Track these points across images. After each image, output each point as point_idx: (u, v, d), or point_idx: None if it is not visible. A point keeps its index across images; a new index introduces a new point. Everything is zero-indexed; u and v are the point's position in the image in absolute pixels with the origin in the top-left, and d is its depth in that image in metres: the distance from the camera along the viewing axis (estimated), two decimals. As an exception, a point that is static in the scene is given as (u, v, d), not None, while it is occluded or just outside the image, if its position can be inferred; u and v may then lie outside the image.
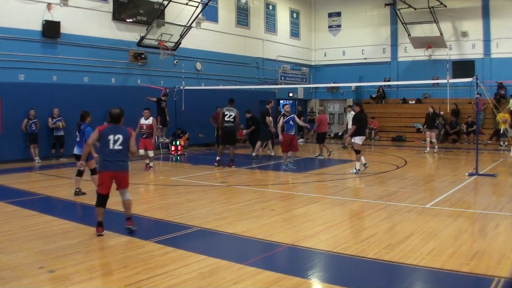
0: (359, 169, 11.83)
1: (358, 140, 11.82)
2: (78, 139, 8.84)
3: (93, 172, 8.58)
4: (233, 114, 13.27)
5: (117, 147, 6.09)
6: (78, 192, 8.85)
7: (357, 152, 11.81)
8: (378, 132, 24.01)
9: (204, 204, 8.28)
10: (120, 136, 6.12)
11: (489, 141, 19.98)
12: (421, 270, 4.80)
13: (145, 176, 11.68)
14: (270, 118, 15.65)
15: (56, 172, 12.23)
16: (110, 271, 4.76)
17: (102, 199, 6.17)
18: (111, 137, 6.09)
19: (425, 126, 17.55)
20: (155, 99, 16.51)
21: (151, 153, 12.44)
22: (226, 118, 13.30)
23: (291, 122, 12.55)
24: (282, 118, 12.62)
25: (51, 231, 6.40)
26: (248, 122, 16.91)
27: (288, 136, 12.53)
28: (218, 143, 19.43)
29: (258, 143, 15.85)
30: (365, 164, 12.13)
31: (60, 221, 7.00)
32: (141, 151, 12.14)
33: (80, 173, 8.82)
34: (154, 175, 12.49)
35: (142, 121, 12.50)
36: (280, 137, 12.50)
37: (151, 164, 12.53)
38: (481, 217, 7.16)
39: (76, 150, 8.91)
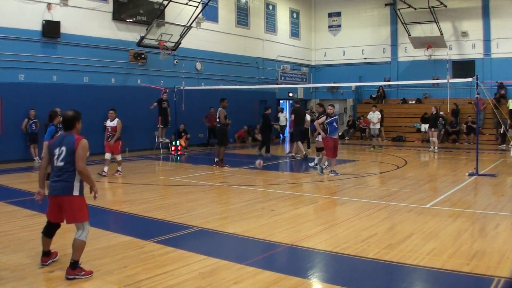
0: (317, 164, 12.51)
1: (320, 138, 12.43)
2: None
3: None
4: (217, 114, 13.27)
5: (59, 163, 4.72)
6: None
7: (320, 149, 12.58)
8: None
9: (204, 204, 8.28)
10: (64, 149, 4.72)
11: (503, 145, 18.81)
12: (421, 270, 4.80)
13: (145, 176, 11.68)
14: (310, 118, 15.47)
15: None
16: (110, 271, 4.75)
17: (48, 227, 5.00)
18: (56, 150, 4.77)
19: (428, 125, 17.75)
20: (156, 103, 16.58)
21: (119, 157, 11.60)
22: (216, 119, 13.46)
23: (335, 124, 11.37)
24: (324, 118, 11.43)
25: (51, 231, 6.39)
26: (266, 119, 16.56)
27: (332, 139, 11.32)
28: (209, 144, 19.67)
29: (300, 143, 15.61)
30: (316, 164, 12.66)
31: (60, 221, 6.99)
32: (107, 155, 11.46)
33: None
34: (154, 175, 12.49)
35: (108, 123, 11.58)
36: (322, 134, 11.32)
37: (119, 168, 11.60)
38: (481, 217, 7.15)
39: None
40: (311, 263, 5.13)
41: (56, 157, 4.74)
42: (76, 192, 4.73)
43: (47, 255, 4.99)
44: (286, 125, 22.46)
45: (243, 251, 5.70)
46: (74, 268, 4.59)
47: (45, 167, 4.95)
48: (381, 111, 19.56)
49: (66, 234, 6.36)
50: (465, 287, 4.47)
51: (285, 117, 22.46)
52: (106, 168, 11.33)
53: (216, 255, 5.21)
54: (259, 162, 11.92)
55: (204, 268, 4.82)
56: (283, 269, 4.86)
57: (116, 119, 11.50)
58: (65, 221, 4.86)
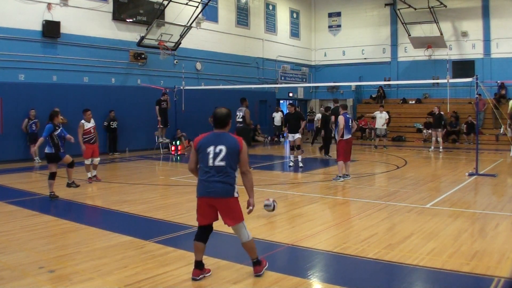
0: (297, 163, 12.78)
1: (291, 137, 12.84)
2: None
3: (70, 165, 9.26)
4: (241, 114, 12.94)
5: (218, 162, 4.45)
6: (53, 196, 8.65)
7: (298, 147, 12.87)
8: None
9: (204, 204, 8.26)
10: (223, 148, 4.45)
11: None
12: (421, 270, 4.80)
13: (145, 176, 11.67)
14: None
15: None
16: (110, 271, 4.75)
17: (200, 231, 4.73)
18: (210, 149, 4.48)
19: (431, 125, 17.75)
20: (157, 107, 16.57)
21: (97, 160, 10.63)
22: (236, 119, 13.04)
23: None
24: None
25: (51, 231, 6.40)
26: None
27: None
28: None
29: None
30: (297, 162, 12.91)
31: (60, 221, 7.00)
32: (88, 161, 10.44)
33: (52, 176, 8.74)
34: (154, 175, 12.49)
35: (88, 124, 10.39)
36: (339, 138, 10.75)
37: (95, 173, 10.69)
38: (481, 217, 7.15)
39: (47, 150, 8.82)
40: (311, 263, 5.13)
41: (212, 156, 4.44)
42: (236, 194, 4.57)
43: (199, 267, 4.58)
44: (281, 126, 22.36)
45: (243, 251, 5.69)
46: (260, 264, 4.62)
47: (196, 169, 4.65)
48: (387, 112, 19.51)
49: (67, 234, 6.37)
50: (465, 287, 4.47)
51: (280, 116, 22.38)
52: (89, 174, 10.57)
53: (216, 255, 5.21)
54: (270, 205, 7.16)
55: (204, 268, 4.82)
56: (283, 269, 4.86)
57: (92, 119, 10.69)
58: (224, 224, 4.71)
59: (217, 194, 4.45)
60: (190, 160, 4.66)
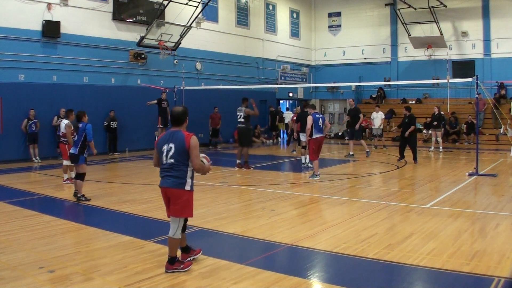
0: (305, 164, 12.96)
1: (303, 137, 12.92)
2: (75, 139, 8.69)
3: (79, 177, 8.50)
4: (242, 114, 12.79)
5: (169, 160, 4.71)
6: (83, 199, 8.49)
7: (305, 147, 12.93)
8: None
9: (204, 204, 8.27)
10: (172, 146, 4.72)
11: None
12: (421, 270, 4.80)
13: (145, 176, 11.67)
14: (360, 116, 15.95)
15: (56, 172, 12.23)
16: (110, 271, 4.75)
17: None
18: (164, 147, 4.76)
19: (431, 125, 17.92)
20: (155, 101, 16.54)
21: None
22: (238, 119, 12.92)
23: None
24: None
25: (51, 231, 6.40)
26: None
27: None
28: (211, 144, 19.52)
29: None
30: (305, 164, 13.01)
31: (60, 221, 7.00)
32: (68, 162, 9.89)
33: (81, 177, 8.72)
34: (154, 175, 12.46)
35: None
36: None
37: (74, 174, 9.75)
38: (481, 217, 7.15)
39: (72, 150, 8.72)
40: (311, 263, 5.13)
41: (164, 154, 4.72)
42: (187, 187, 4.72)
43: (185, 251, 5.01)
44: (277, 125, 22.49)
45: (243, 251, 5.70)
46: (173, 263, 4.71)
47: (157, 165, 4.95)
48: (391, 111, 19.51)
49: (67, 234, 6.37)
50: (465, 287, 4.47)
51: (291, 116, 22.40)
52: (67, 175, 10.42)
53: (216, 255, 5.21)
54: None
55: (204, 268, 4.82)
56: (283, 269, 4.86)
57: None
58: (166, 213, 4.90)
59: (169, 185, 4.69)
60: (153, 158, 5.01)
